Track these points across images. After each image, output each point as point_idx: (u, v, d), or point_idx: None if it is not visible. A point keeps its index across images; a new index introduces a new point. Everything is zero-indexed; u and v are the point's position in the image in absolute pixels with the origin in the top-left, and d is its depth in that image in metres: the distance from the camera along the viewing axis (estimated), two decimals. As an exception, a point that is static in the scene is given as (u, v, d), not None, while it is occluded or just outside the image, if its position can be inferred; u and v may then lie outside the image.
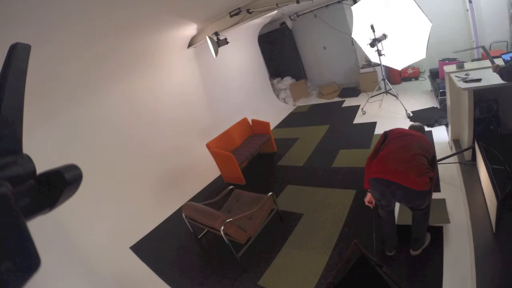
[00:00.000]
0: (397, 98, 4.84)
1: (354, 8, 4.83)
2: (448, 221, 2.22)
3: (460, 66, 2.97)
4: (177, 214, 3.65)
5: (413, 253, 2.08)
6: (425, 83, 5.76)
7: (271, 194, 2.75)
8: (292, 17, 6.06)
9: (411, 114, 4.48)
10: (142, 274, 2.80)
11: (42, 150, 2.89)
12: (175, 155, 4.45)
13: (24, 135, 0.34)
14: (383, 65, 4.86)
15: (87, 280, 2.69)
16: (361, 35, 4.85)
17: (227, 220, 2.31)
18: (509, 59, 2.39)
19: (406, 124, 4.24)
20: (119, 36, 3.19)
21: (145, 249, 3.16)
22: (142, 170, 3.98)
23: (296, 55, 7.77)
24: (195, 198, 3.93)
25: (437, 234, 2.17)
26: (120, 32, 3.11)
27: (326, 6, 6.18)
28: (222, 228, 2.27)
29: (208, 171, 4.43)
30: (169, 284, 2.59)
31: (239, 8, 3.60)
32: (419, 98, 5.07)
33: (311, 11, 6.50)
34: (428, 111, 4.47)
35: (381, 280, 1.33)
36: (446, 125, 3.76)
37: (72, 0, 2.04)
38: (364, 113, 5.22)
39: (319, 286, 2.09)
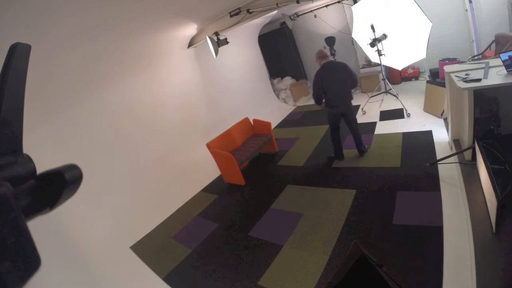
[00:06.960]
0: (397, 98, 4.83)
1: (354, 8, 4.82)
2: None
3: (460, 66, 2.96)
4: (177, 213, 3.65)
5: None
6: (425, 83, 5.74)
7: None
8: (292, 17, 6.06)
9: (411, 114, 4.47)
10: (142, 274, 2.80)
11: (42, 150, 2.89)
12: (175, 154, 4.45)
13: (24, 135, 0.33)
14: (383, 65, 4.85)
15: (87, 280, 2.69)
16: (361, 35, 4.85)
17: None
18: (507, 58, 2.39)
19: (406, 124, 4.28)
20: (119, 35, 3.19)
21: (145, 249, 3.16)
22: (142, 170, 3.98)
23: (296, 55, 7.76)
24: (195, 198, 3.94)
25: (437, 234, 2.17)
26: (120, 31, 3.10)
27: (326, 6, 6.18)
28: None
29: (208, 171, 4.42)
30: (169, 284, 2.59)
31: (239, 8, 3.60)
32: (419, 98, 5.06)
33: (311, 11, 6.50)
34: (428, 111, 4.45)
35: (381, 280, 1.33)
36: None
37: None
38: (364, 113, 5.22)
39: (319, 286, 2.09)
